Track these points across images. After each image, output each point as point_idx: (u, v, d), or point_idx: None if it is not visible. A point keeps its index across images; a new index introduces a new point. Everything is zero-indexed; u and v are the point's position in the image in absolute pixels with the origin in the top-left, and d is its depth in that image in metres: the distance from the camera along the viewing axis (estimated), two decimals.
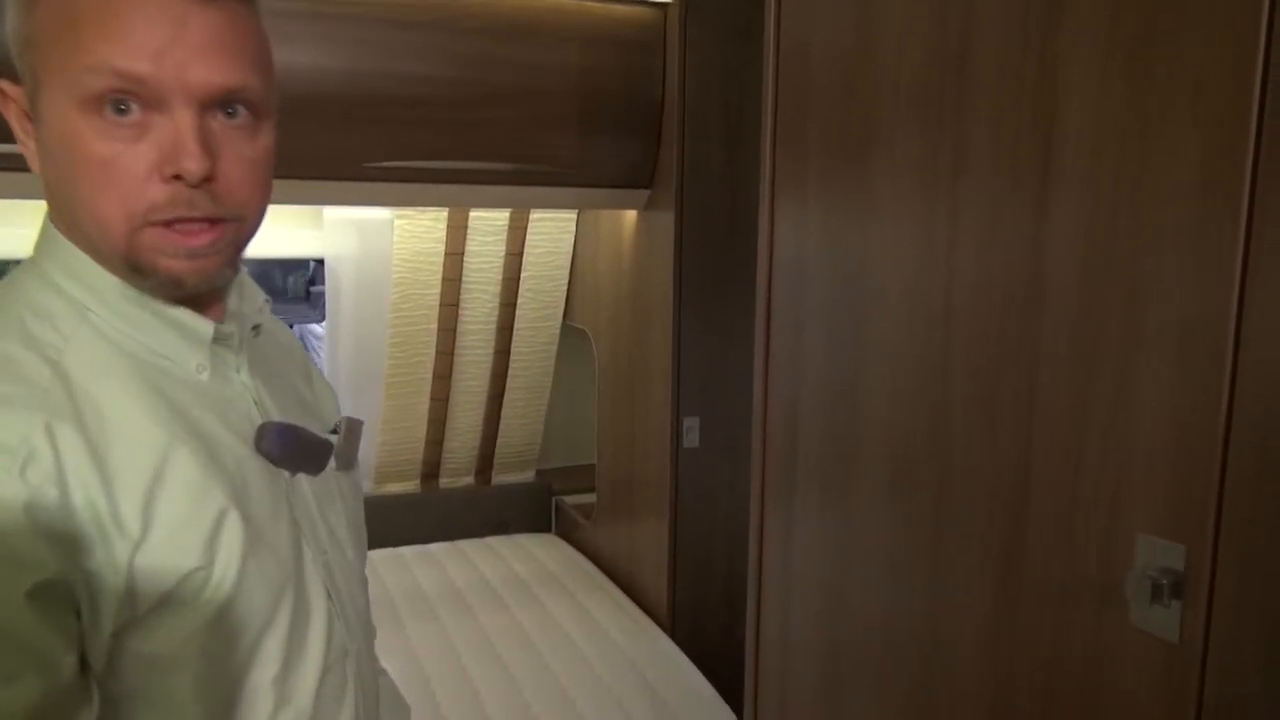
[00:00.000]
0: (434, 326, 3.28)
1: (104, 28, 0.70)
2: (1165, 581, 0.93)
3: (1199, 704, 0.93)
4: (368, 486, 3.45)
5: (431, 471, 3.54)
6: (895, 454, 1.30)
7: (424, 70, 2.40)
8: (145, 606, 0.74)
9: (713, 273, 2.71)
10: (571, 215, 3.35)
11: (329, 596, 0.90)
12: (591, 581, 3.04)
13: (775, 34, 1.48)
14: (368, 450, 3.41)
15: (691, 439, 2.78)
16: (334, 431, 0.98)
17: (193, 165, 0.72)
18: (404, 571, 3.11)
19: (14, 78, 0.75)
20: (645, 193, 2.78)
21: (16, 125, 0.76)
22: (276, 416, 0.88)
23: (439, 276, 3.23)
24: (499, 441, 3.59)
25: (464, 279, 3.26)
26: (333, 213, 3.09)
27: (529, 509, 3.65)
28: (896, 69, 1.25)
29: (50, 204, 0.79)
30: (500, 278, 3.32)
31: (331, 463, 0.94)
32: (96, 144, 0.72)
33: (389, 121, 2.40)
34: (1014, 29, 1.07)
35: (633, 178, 2.75)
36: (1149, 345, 0.95)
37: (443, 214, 3.15)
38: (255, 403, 0.87)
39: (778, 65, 1.48)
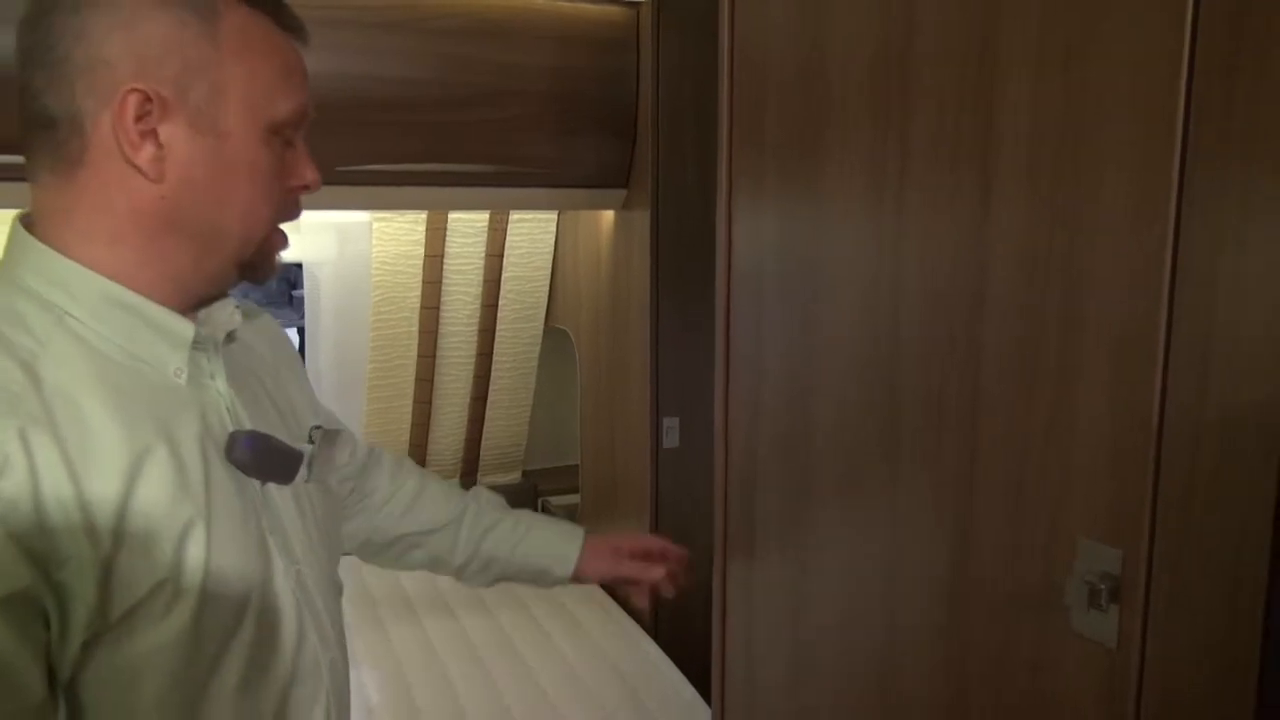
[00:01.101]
0: (415, 329, 3.27)
1: (288, 71, 0.86)
2: (1103, 586, 0.93)
3: (1137, 708, 0.92)
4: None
5: None
6: (848, 461, 1.29)
7: (398, 72, 2.39)
8: (115, 616, 0.74)
9: (690, 272, 2.70)
10: (551, 216, 3.35)
11: (299, 607, 0.90)
12: (575, 584, 3.03)
13: (729, 33, 1.48)
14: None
15: (671, 439, 2.77)
16: (310, 440, 0.98)
17: (319, 181, 0.90)
18: (387, 574, 3.10)
19: (145, 79, 0.78)
20: (622, 192, 2.77)
21: (133, 130, 0.78)
22: (248, 425, 0.89)
23: (419, 279, 3.22)
24: (484, 443, 3.58)
25: (444, 281, 3.26)
26: (310, 216, 3.08)
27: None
28: (844, 67, 1.24)
29: (130, 215, 0.81)
30: (481, 279, 3.31)
31: (303, 472, 0.94)
32: (271, 161, 0.85)
33: (363, 124, 2.39)
34: (954, 27, 1.07)
35: (609, 178, 2.74)
36: (1086, 349, 0.94)
37: (422, 216, 3.15)
38: (228, 410, 0.88)
39: (732, 65, 1.48)
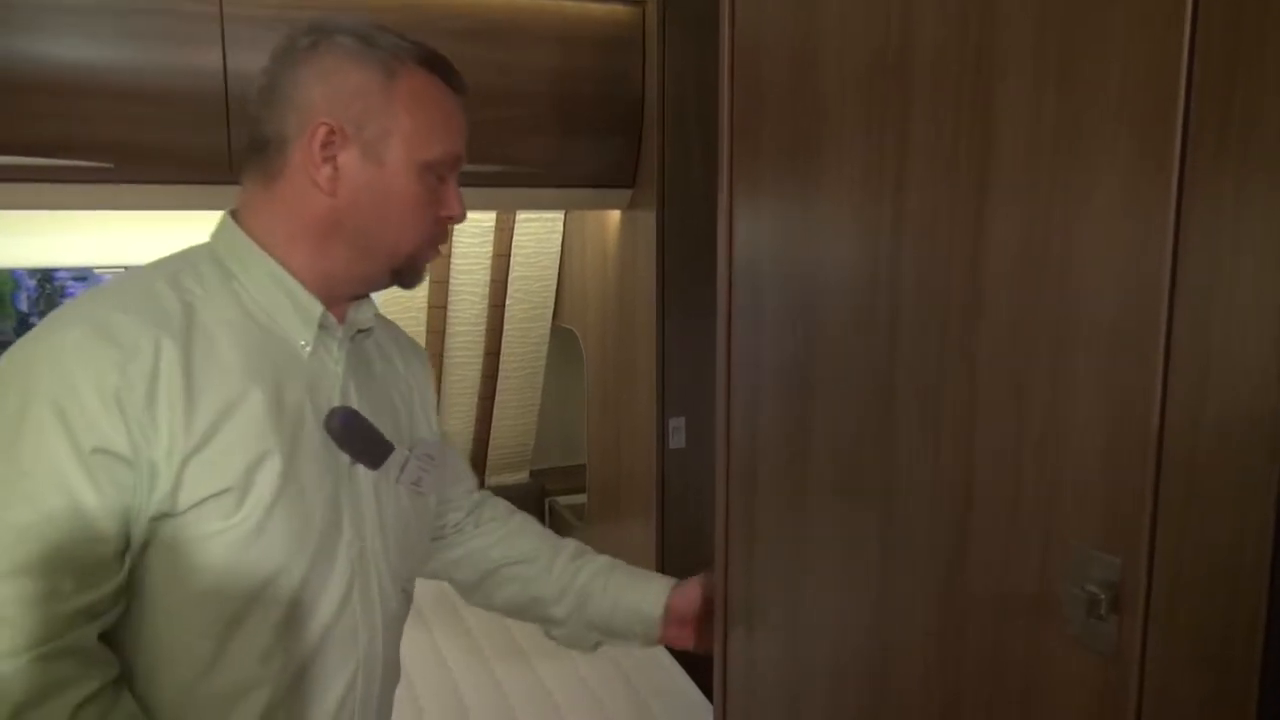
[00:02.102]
0: (423, 329, 3.27)
1: (446, 122, 1.07)
2: (1102, 595, 0.91)
3: (1138, 713, 0.91)
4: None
5: None
6: (845, 464, 1.28)
7: None
8: (184, 506, 0.90)
9: (696, 271, 2.70)
10: (558, 216, 3.34)
11: (351, 578, 1.04)
12: None
13: (729, 34, 1.47)
14: None
15: (678, 439, 2.76)
16: (410, 449, 1.14)
17: (464, 215, 1.12)
18: None
19: (335, 116, 1.02)
20: (627, 192, 2.76)
21: (318, 151, 1.01)
22: (356, 407, 1.06)
23: (426, 279, 3.21)
24: (491, 443, 3.58)
25: (451, 281, 3.26)
26: None
27: (523, 509, 3.63)
28: (841, 67, 1.23)
29: (307, 219, 1.04)
30: (488, 279, 3.31)
31: (395, 471, 1.10)
32: (421, 192, 1.05)
33: None
34: (951, 32, 1.05)
35: (615, 177, 2.73)
36: (1083, 353, 0.93)
37: None
38: (340, 390, 1.06)
39: (732, 66, 1.47)
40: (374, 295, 1.15)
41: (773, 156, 1.39)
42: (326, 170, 1.01)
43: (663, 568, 2.76)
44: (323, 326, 1.05)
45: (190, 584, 0.92)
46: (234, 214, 1.08)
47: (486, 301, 3.34)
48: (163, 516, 0.90)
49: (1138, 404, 0.88)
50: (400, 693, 2.34)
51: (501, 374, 3.47)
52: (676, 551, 2.77)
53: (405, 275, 1.10)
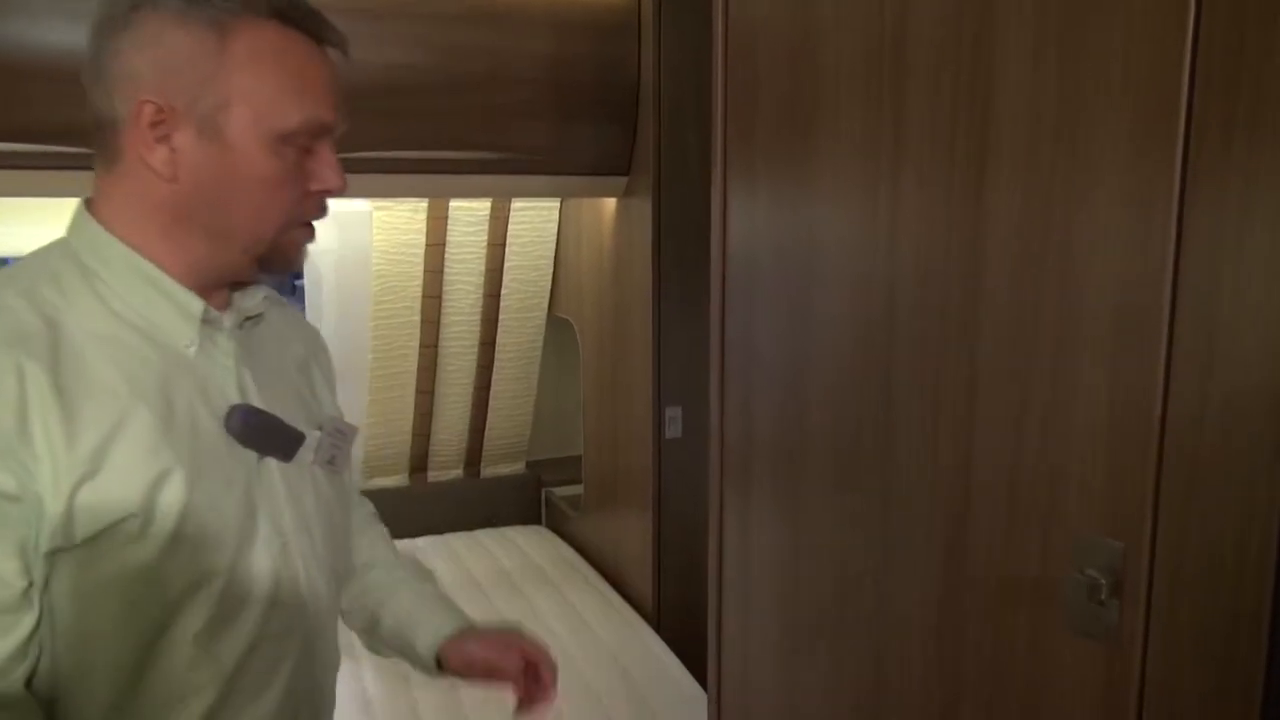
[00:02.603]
0: (417, 319, 3.25)
1: (304, 84, 0.90)
2: (1103, 580, 0.90)
3: (1139, 702, 0.89)
4: (355, 480, 3.43)
5: (419, 464, 3.52)
6: (841, 450, 1.26)
7: (394, 59, 2.36)
8: (81, 537, 0.83)
9: (693, 259, 2.67)
10: (554, 204, 3.32)
11: (277, 578, 0.97)
12: (578, 575, 3.02)
13: (723, 19, 1.45)
14: (354, 445, 3.38)
15: (674, 429, 2.75)
16: (319, 428, 1.06)
17: (343, 185, 0.95)
18: None
19: (160, 93, 0.88)
20: (623, 180, 2.74)
21: (149, 134, 0.88)
22: (257, 403, 0.97)
23: (421, 268, 3.20)
24: (487, 433, 3.56)
25: (446, 270, 3.23)
26: None
27: (518, 501, 3.63)
28: (838, 51, 1.21)
29: (157, 205, 0.91)
30: (483, 268, 3.29)
31: (308, 455, 1.02)
32: (280, 167, 0.90)
33: (358, 112, 2.31)
34: (948, 13, 1.03)
35: (610, 165, 2.71)
36: (1085, 335, 0.91)
37: (422, 205, 3.12)
38: (236, 386, 0.96)
39: (726, 51, 1.44)
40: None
41: (767, 143, 1.37)
42: (161, 153, 0.89)
43: (660, 556, 2.75)
44: (206, 321, 0.94)
45: (103, 611, 0.86)
46: (89, 204, 0.95)
47: (482, 291, 3.32)
48: (58, 551, 0.83)
49: (1142, 385, 0.86)
50: (393, 683, 2.33)
51: (497, 364, 3.45)
52: (673, 541, 2.76)
53: (273, 263, 0.97)
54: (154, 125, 0.88)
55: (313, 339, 1.19)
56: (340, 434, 1.08)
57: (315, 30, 0.93)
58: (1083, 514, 0.92)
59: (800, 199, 1.31)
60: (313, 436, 1.03)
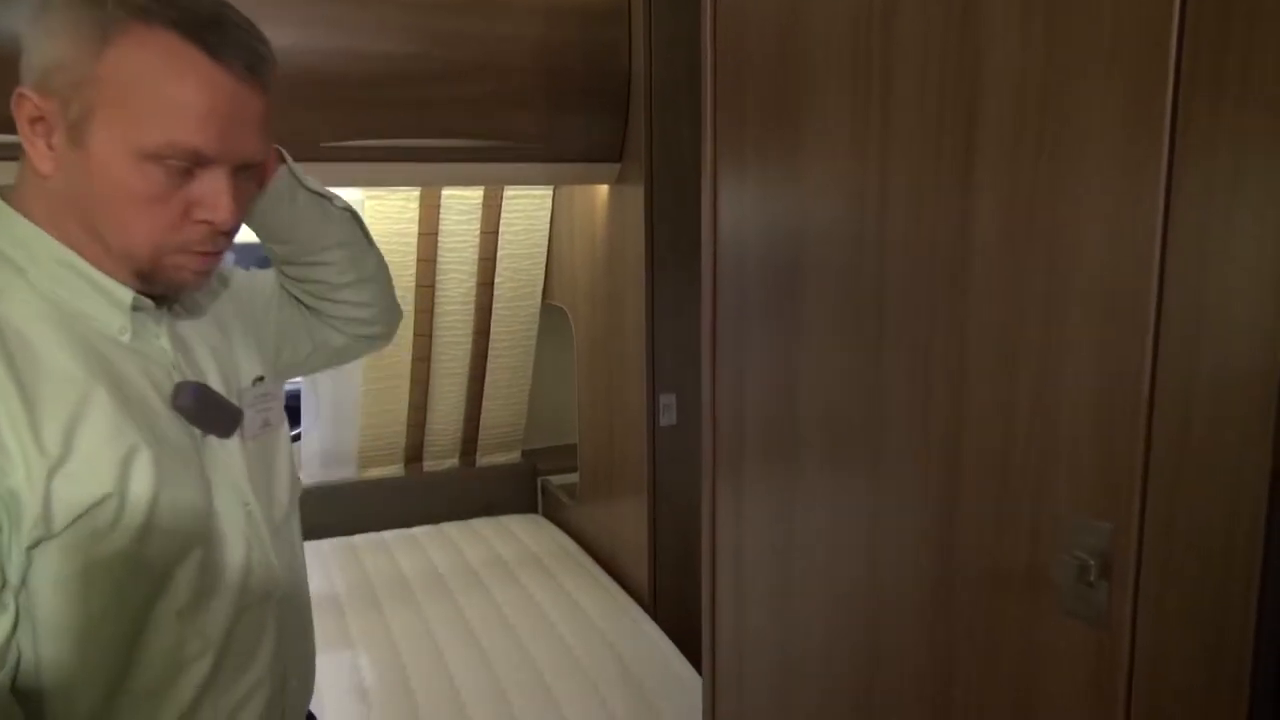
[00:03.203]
0: (411, 308, 3.24)
1: (177, 104, 0.84)
2: (1092, 561, 0.89)
3: (1129, 684, 0.89)
4: (351, 472, 3.43)
5: (415, 455, 3.52)
6: (832, 434, 1.26)
7: (382, 47, 2.35)
8: (60, 525, 0.82)
9: (686, 246, 2.66)
10: (547, 192, 3.30)
11: (248, 543, 0.98)
12: (574, 563, 3.02)
13: (712, 1, 1.43)
14: (350, 436, 3.38)
15: (669, 416, 2.74)
16: (258, 380, 1.06)
17: (229, 221, 0.89)
18: (385, 556, 3.09)
19: (39, 89, 0.85)
20: (615, 166, 2.73)
21: (28, 128, 0.86)
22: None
23: (414, 257, 3.19)
24: (482, 422, 3.56)
25: (439, 259, 3.22)
26: None
27: (514, 490, 3.63)
28: (825, 30, 1.20)
29: (56, 200, 0.88)
30: (476, 257, 3.28)
31: (246, 432, 1.02)
32: (144, 186, 0.85)
33: (348, 101, 2.35)
34: None
35: (602, 152, 2.70)
36: (1073, 317, 0.91)
37: (414, 193, 3.11)
38: (173, 366, 0.95)
39: (715, 33, 1.43)
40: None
41: (757, 125, 1.36)
42: (40, 148, 0.86)
43: (655, 544, 2.75)
44: (137, 309, 0.92)
45: (89, 598, 0.84)
46: (4, 193, 0.92)
47: (475, 280, 3.31)
48: (39, 542, 0.82)
49: (1130, 365, 0.85)
50: (392, 674, 2.34)
51: (491, 353, 3.45)
52: (669, 528, 2.76)
53: (154, 283, 0.91)
54: (33, 122, 0.85)
55: (238, 285, 1.14)
56: (268, 395, 1.06)
57: (216, 47, 0.85)
58: (1072, 496, 0.92)
59: (790, 182, 1.30)
60: (243, 410, 1.02)
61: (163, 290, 0.94)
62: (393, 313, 1.28)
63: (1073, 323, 0.90)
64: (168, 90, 0.84)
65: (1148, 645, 0.87)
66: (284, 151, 1.07)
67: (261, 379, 1.07)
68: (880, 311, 1.15)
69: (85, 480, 0.83)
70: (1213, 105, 0.78)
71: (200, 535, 0.92)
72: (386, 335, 1.29)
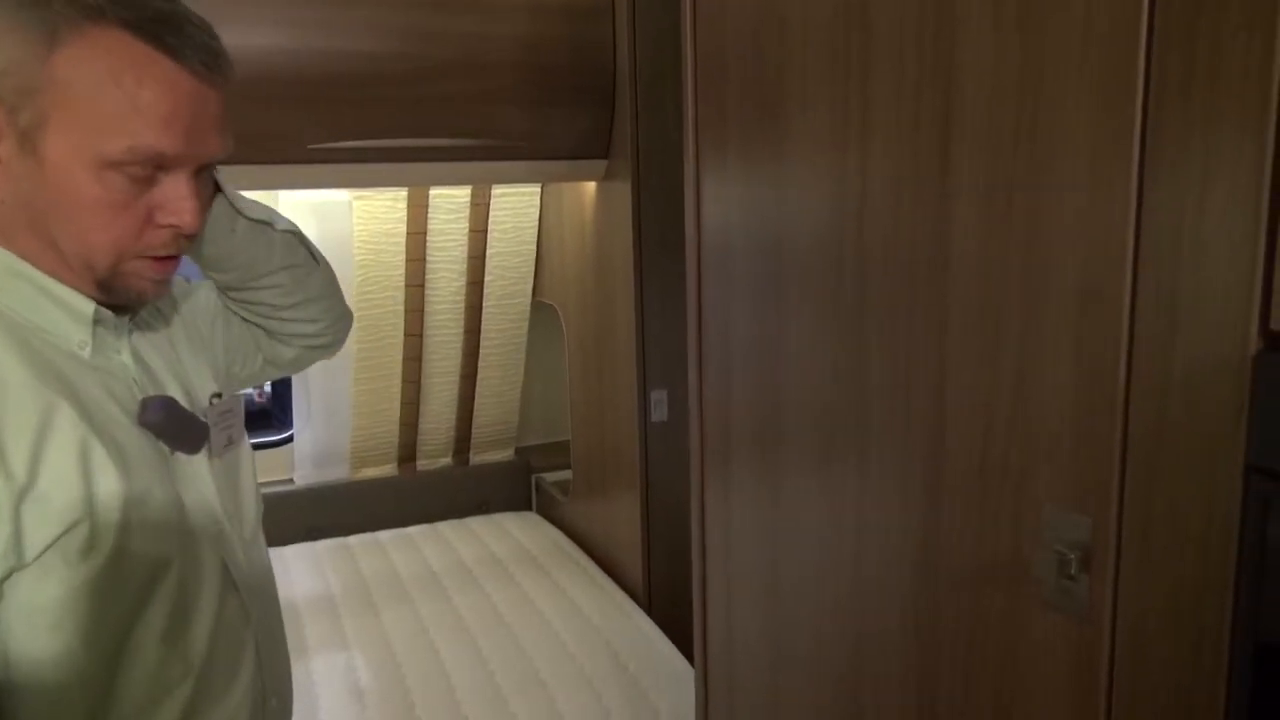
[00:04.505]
0: (401, 308, 3.24)
1: (137, 107, 0.80)
2: (1073, 555, 0.90)
3: (1110, 677, 0.90)
4: (344, 472, 3.43)
5: (408, 454, 3.52)
6: (817, 428, 1.26)
7: (366, 47, 2.34)
8: (32, 555, 0.78)
9: (674, 241, 2.66)
10: (535, 190, 3.30)
11: (224, 566, 0.95)
12: (569, 560, 3.02)
13: None
14: (342, 437, 3.38)
15: (660, 412, 2.74)
16: (215, 397, 1.02)
17: (193, 224, 0.86)
18: (381, 556, 3.09)
19: None
20: (602, 163, 2.73)
21: None
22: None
23: (403, 257, 3.18)
24: (475, 421, 3.56)
25: (428, 259, 3.22)
26: (289, 196, 3.04)
27: (509, 487, 3.63)
28: (803, 24, 1.20)
29: (5, 211, 0.83)
30: (465, 255, 3.27)
31: (212, 449, 0.98)
32: (105, 194, 0.81)
33: (333, 101, 2.34)
34: None
35: (589, 149, 2.69)
36: (1050, 310, 0.91)
37: (402, 193, 3.10)
38: (135, 381, 0.91)
39: (694, 28, 1.43)
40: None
41: (738, 120, 1.36)
42: None
43: (649, 539, 2.76)
44: (98, 322, 0.88)
45: (63, 629, 0.80)
46: None
47: (465, 279, 3.30)
48: (10, 573, 0.78)
49: (1106, 358, 0.86)
50: (386, 669, 2.34)
51: (483, 351, 3.44)
52: (662, 524, 2.76)
53: (115, 292, 0.88)
54: None
55: (178, 299, 1.09)
56: (229, 412, 1.03)
57: (174, 47, 0.81)
58: (1051, 490, 0.92)
59: (772, 176, 1.30)
60: (209, 423, 0.98)
61: (122, 300, 0.89)
62: (342, 322, 1.24)
63: (1050, 318, 0.91)
64: (127, 93, 0.79)
65: (1128, 637, 0.88)
66: (220, 179, 1.01)
67: (219, 395, 1.04)
68: (862, 307, 1.15)
69: (55, 506, 0.79)
70: (1183, 102, 0.78)
71: (175, 555, 0.89)
72: (337, 343, 1.25)
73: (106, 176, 0.81)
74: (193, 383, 1.03)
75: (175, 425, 0.92)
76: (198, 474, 0.95)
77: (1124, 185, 0.82)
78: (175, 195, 0.84)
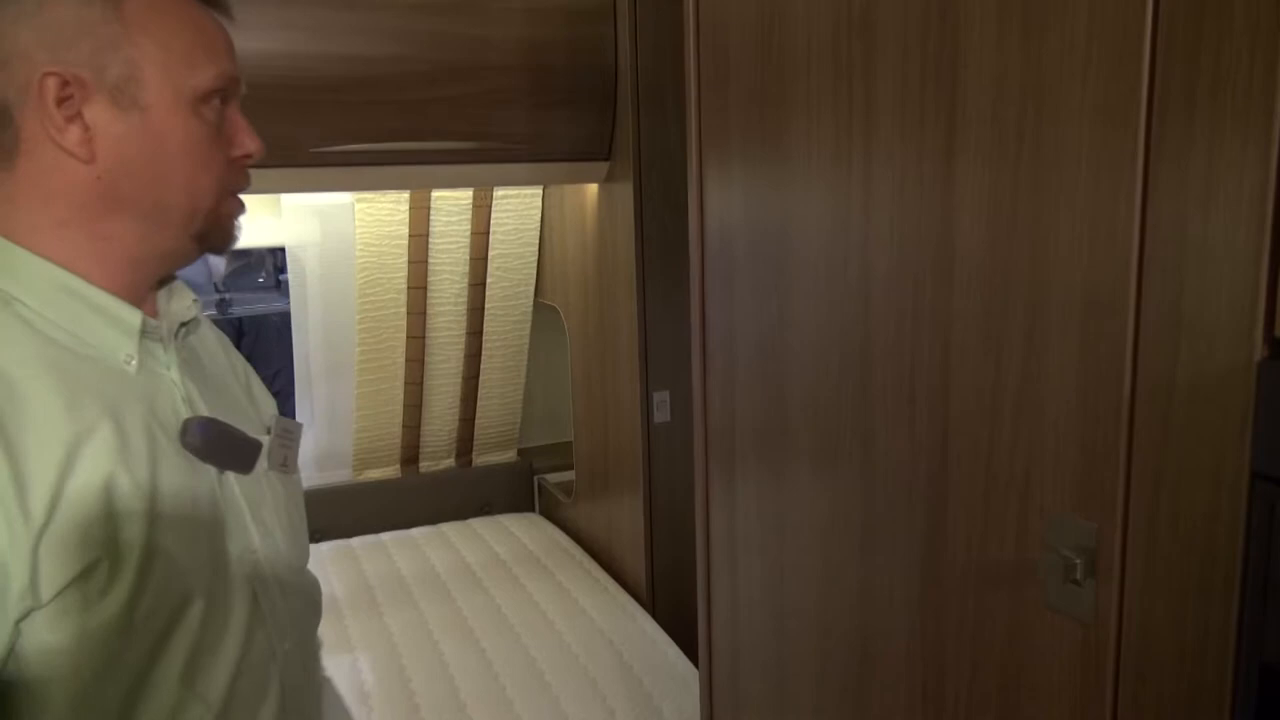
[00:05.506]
0: (403, 310, 3.24)
1: (208, 35, 0.86)
2: (1078, 560, 0.90)
3: (1115, 682, 0.90)
4: (347, 474, 3.43)
5: (411, 456, 3.52)
6: (821, 429, 1.26)
7: (367, 51, 2.34)
8: (49, 595, 0.74)
9: (676, 243, 2.67)
10: (537, 191, 3.30)
11: (254, 598, 0.90)
12: (572, 560, 3.03)
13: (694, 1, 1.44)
14: (345, 438, 3.39)
15: (663, 413, 2.75)
16: (267, 431, 0.98)
17: (261, 148, 0.90)
18: (384, 558, 3.10)
19: (60, 65, 0.79)
20: (604, 165, 2.73)
21: (58, 114, 0.79)
22: (207, 414, 0.89)
23: (405, 259, 3.18)
24: (478, 422, 3.56)
25: (430, 260, 3.22)
26: (291, 199, 3.05)
27: (511, 489, 3.63)
28: (807, 26, 1.20)
29: (79, 197, 0.82)
30: (468, 257, 3.28)
31: (264, 463, 0.95)
32: (204, 130, 0.85)
33: (334, 105, 2.35)
34: None
35: (590, 150, 2.70)
36: (1055, 315, 0.91)
37: (404, 196, 3.10)
38: (184, 400, 0.88)
39: (698, 32, 1.43)
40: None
41: (740, 121, 1.36)
42: (74, 132, 0.79)
43: (652, 540, 2.76)
44: (144, 333, 0.86)
45: (79, 669, 0.77)
46: None
47: (467, 280, 3.31)
48: (29, 613, 0.75)
49: (1111, 364, 0.86)
50: (392, 676, 2.34)
51: (485, 353, 3.45)
52: (665, 524, 2.76)
53: (212, 238, 0.90)
54: (61, 102, 0.79)
55: (222, 338, 1.08)
56: (288, 434, 1.01)
57: None
58: (1057, 494, 0.93)
59: (775, 179, 1.30)
60: (265, 442, 0.96)
61: (218, 246, 0.91)
62: None
63: (1054, 323, 0.91)
64: (196, 25, 0.85)
65: (1134, 641, 0.88)
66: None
67: (277, 417, 1.02)
68: (866, 309, 1.15)
69: (74, 543, 0.76)
70: (1187, 110, 0.78)
71: (202, 592, 0.84)
72: None
73: (202, 111, 0.85)
74: (255, 399, 1.02)
75: (221, 445, 0.89)
76: (240, 494, 0.92)
77: (1129, 193, 0.83)
78: (239, 125, 0.89)
